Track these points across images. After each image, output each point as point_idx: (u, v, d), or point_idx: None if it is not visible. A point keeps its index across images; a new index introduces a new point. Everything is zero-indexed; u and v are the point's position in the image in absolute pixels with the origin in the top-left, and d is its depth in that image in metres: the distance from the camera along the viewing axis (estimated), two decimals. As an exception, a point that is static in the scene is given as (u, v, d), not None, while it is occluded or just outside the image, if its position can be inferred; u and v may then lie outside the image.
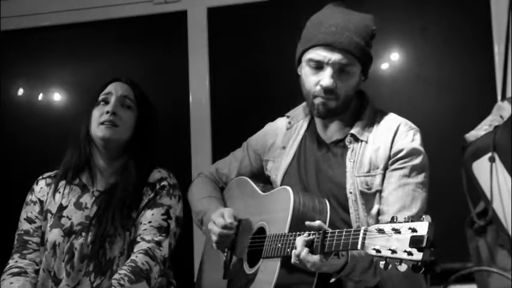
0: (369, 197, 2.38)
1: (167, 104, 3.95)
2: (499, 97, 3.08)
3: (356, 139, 2.43)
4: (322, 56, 2.38)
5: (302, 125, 2.58)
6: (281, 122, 2.65)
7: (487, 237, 2.70)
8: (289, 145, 2.56)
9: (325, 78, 2.38)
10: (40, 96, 4.08)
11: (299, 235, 2.19)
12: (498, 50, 3.46)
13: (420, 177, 2.38)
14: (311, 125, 2.56)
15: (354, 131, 2.44)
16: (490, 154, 2.67)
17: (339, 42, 2.36)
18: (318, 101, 2.42)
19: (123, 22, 4.00)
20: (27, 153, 3.98)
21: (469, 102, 3.54)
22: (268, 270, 2.30)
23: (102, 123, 2.74)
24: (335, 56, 2.37)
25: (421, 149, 2.42)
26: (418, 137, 2.43)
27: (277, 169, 2.56)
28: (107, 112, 2.74)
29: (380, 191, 2.38)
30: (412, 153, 2.39)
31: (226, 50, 3.90)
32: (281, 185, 2.50)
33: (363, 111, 2.48)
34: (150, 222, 2.70)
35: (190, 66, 3.87)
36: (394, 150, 2.39)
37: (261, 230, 2.44)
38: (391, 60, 3.70)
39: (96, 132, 2.75)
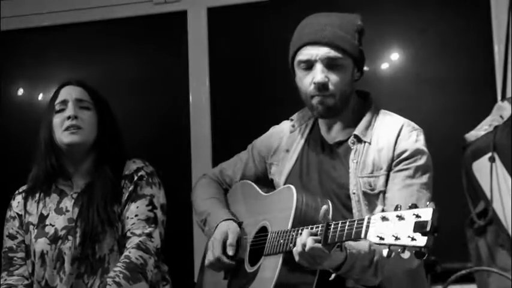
0: (371, 197, 2.37)
1: (167, 104, 3.96)
2: (499, 97, 3.08)
3: (359, 140, 2.43)
4: (309, 55, 2.39)
5: (306, 128, 2.58)
6: (285, 125, 2.65)
7: (487, 237, 2.70)
8: (292, 148, 2.56)
9: (316, 74, 2.38)
10: (40, 96, 4.08)
11: (302, 230, 2.18)
12: (498, 50, 3.46)
13: (425, 178, 2.38)
14: (315, 127, 2.55)
15: (357, 131, 2.44)
16: (490, 154, 2.67)
17: (322, 36, 2.37)
18: (315, 100, 2.41)
19: (123, 22, 4.00)
20: (27, 154, 3.97)
21: (469, 102, 3.54)
22: (270, 267, 2.29)
23: (66, 130, 2.73)
24: (321, 51, 2.37)
25: (425, 149, 2.41)
26: (421, 137, 2.42)
27: (280, 173, 2.55)
28: (68, 117, 2.73)
29: (383, 192, 2.38)
30: (416, 153, 2.38)
31: (226, 50, 3.90)
32: None
33: (366, 112, 2.48)
34: (136, 215, 2.70)
35: (190, 66, 3.86)
36: (397, 151, 2.39)
37: (263, 229, 2.43)
38: (391, 60, 3.70)
39: (61, 139, 2.74)
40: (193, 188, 2.78)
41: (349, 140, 2.44)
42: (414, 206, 1.90)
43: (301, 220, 2.28)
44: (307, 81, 2.41)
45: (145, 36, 4.03)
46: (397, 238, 1.88)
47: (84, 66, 4.01)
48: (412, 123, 2.47)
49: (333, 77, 2.38)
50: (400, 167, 2.38)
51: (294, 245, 2.16)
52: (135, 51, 4.04)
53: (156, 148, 3.87)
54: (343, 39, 2.38)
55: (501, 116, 2.77)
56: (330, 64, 2.38)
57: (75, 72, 4.01)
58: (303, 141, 2.55)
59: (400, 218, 1.90)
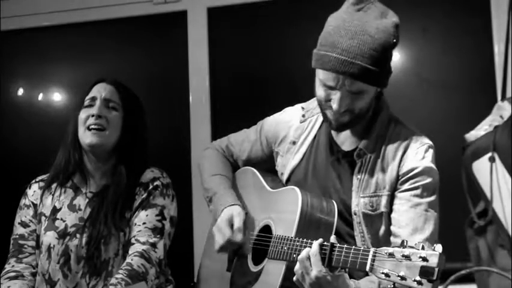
0: (373, 218, 2.32)
1: (167, 104, 3.96)
2: (499, 97, 3.07)
3: (365, 154, 2.35)
4: (331, 82, 2.25)
5: (316, 121, 2.49)
6: (297, 112, 2.55)
7: (487, 237, 2.69)
8: (299, 141, 2.49)
9: (335, 102, 2.26)
10: (40, 96, 4.09)
11: (306, 243, 2.17)
12: (498, 50, 3.46)
13: (432, 197, 2.31)
14: (325, 122, 2.44)
15: (363, 145, 2.35)
16: (490, 154, 2.66)
17: (350, 73, 2.20)
18: (329, 115, 2.32)
19: (123, 22, 4.01)
20: (27, 153, 3.98)
21: (469, 102, 3.54)
22: (273, 273, 2.28)
23: (89, 129, 2.73)
24: (346, 83, 2.23)
25: (433, 166, 2.33)
26: (429, 153, 2.34)
27: (284, 166, 2.50)
28: (92, 115, 2.74)
29: (386, 213, 2.32)
30: (423, 172, 2.31)
31: (226, 50, 3.90)
32: (286, 185, 2.48)
33: (376, 120, 2.38)
34: (144, 223, 2.69)
35: (190, 66, 3.87)
36: (403, 170, 2.31)
37: (267, 228, 2.42)
38: (392, 60, 3.69)
39: (83, 138, 2.75)
40: (200, 158, 2.73)
41: (355, 152, 2.36)
42: (421, 245, 1.87)
43: (306, 224, 2.26)
44: (324, 95, 2.29)
45: (145, 36, 4.03)
46: (402, 278, 1.87)
47: (84, 66, 4.02)
48: (421, 138, 2.36)
49: (353, 101, 2.27)
50: (406, 186, 2.31)
51: (297, 257, 2.14)
52: (135, 51, 4.04)
53: (156, 148, 3.87)
54: (369, 74, 2.22)
55: (501, 116, 2.77)
56: (352, 92, 2.26)
57: (75, 72, 4.02)
58: (311, 137, 2.48)
59: (407, 258, 1.88)
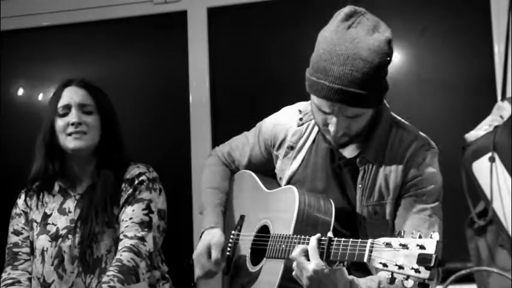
0: (378, 226, 2.29)
1: (167, 104, 3.96)
2: (499, 97, 3.08)
3: (367, 161, 2.30)
4: (327, 108, 2.20)
5: (314, 126, 2.41)
6: (294, 115, 2.49)
7: (487, 237, 2.70)
8: (297, 147, 2.44)
9: (332, 127, 2.22)
10: (40, 96, 4.08)
11: (304, 239, 2.15)
12: (498, 50, 3.46)
13: (437, 202, 2.29)
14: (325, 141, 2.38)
15: (365, 152, 2.31)
16: (490, 154, 2.67)
17: (344, 101, 2.15)
18: (328, 137, 2.28)
19: (123, 22, 4.00)
20: (27, 154, 3.97)
21: (469, 102, 3.54)
22: (272, 271, 2.27)
23: (69, 135, 2.74)
24: (342, 110, 2.19)
25: (436, 171, 2.30)
26: (433, 158, 2.30)
27: (282, 171, 2.46)
28: (72, 124, 2.74)
29: (391, 220, 2.30)
30: (428, 178, 2.28)
31: (226, 50, 3.90)
32: None
33: (377, 125, 2.33)
34: (131, 218, 2.70)
35: (190, 66, 3.87)
36: (407, 176, 2.28)
37: (265, 228, 2.41)
38: (391, 60, 3.69)
39: (65, 143, 2.75)
40: (203, 166, 2.71)
41: (357, 160, 2.31)
42: (418, 234, 1.86)
43: (304, 223, 2.25)
44: (321, 119, 2.25)
45: (146, 36, 4.03)
46: (400, 267, 1.85)
47: (84, 66, 4.01)
48: (425, 142, 2.32)
49: (351, 124, 2.23)
50: (410, 192, 2.28)
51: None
52: (135, 51, 4.04)
53: (156, 148, 3.87)
54: (364, 99, 2.17)
55: (501, 116, 2.77)
56: (349, 117, 2.21)
57: (75, 72, 4.01)
58: (309, 142, 2.42)
59: (404, 246, 1.86)
